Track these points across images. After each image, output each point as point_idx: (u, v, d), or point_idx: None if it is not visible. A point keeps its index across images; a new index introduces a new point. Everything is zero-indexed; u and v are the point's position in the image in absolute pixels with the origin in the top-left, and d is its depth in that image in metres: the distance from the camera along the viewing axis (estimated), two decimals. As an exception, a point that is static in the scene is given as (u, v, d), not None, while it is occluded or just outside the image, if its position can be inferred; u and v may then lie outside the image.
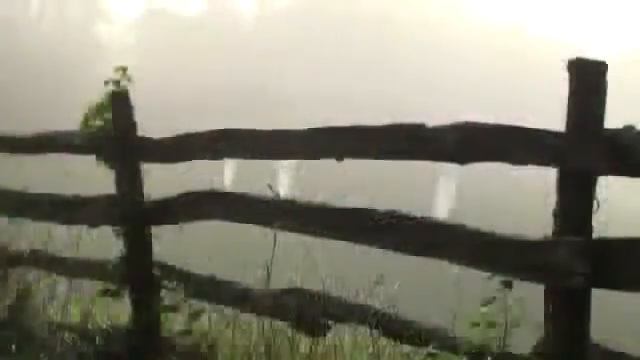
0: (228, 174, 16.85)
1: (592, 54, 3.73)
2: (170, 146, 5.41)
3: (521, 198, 18.99)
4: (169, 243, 5.66)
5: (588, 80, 3.56)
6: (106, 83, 5.56)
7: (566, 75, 3.61)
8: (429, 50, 40.63)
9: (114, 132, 5.50)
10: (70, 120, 5.78)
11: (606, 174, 3.60)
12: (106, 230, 5.67)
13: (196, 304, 5.29)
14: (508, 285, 4.01)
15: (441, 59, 38.64)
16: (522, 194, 18.96)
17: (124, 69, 5.60)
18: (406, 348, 4.52)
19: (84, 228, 5.98)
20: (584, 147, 3.56)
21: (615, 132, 3.52)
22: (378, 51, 38.76)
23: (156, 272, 5.46)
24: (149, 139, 5.49)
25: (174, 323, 5.42)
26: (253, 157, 4.97)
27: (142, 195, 5.48)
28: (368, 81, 32.51)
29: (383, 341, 4.64)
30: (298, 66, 34.58)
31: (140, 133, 5.51)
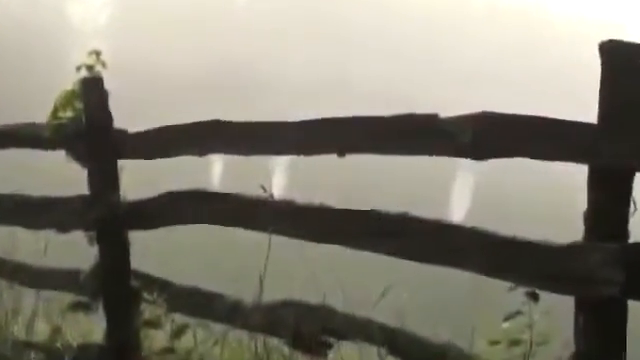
0: (216, 172, 16.91)
1: (627, 36, 3.72)
2: (150, 140, 5.41)
3: (549, 197, 18.97)
4: (149, 250, 5.66)
5: (623, 65, 3.55)
6: (78, 69, 5.55)
7: (597, 59, 3.60)
8: (436, 30, 40.60)
9: (86, 124, 5.50)
10: (42, 113, 5.78)
11: (644, 170, 3.59)
12: (78, 235, 5.66)
13: (180, 319, 5.28)
14: (533, 297, 4.01)
15: (449, 40, 38.60)
16: (550, 192, 18.94)
17: (98, 53, 5.59)
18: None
19: (52, 233, 5.97)
20: (618, 140, 3.55)
21: (654, 123, 3.51)
22: (380, 30, 38.75)
23: (134, 283, 5.45)
24: (126, 132, 5.48)
25: (155, 340, 5.42)
26: (245, 153, 4.96)
27: (118, 196, 5.47)
28: (368, 63, 32.52)
29: (391, 360, 4.64)
30: (293, 46, 34.59)
31: (116, 125, 5.49)
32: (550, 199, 18.69)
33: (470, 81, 30.78)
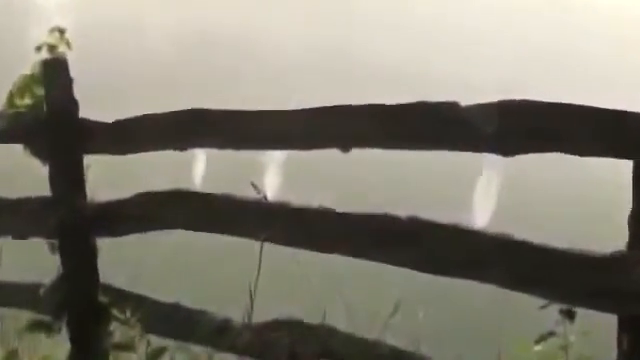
0: (199, 169, 16.92)
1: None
2: (122, 132, 5.40)
3: (585, 194, 19.01)
4: (121, 259, 5.65)
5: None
6: (38, 49, 5.53)
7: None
8: (444, 2, 40.83)
9: (47, 113, 5.48)
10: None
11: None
12: (37, 243, 5.66)
13: (156, 341, 5.28)
14: (569, 315, 3.99)
15: (460, 14, 38.78)
16: (587, 188, 18.98)
17: (61, 31, 5.58)
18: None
19: (8, 240, 5.97)
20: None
21: None
22: (381, 3, 39.02)
23: (103, 298, 5.44)
24: (94, 123, 5.47)
25: (127, 366, 5.42)
26: (232, 147, 4.96)
27: (85, 197, 5.46)
28: (371, 37, 32.73)
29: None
30: (292, 18, 34.78)
31: (82, 115, 5.48)
32: (587, 196, 18.73)
33: (477, 57, 30.86)
